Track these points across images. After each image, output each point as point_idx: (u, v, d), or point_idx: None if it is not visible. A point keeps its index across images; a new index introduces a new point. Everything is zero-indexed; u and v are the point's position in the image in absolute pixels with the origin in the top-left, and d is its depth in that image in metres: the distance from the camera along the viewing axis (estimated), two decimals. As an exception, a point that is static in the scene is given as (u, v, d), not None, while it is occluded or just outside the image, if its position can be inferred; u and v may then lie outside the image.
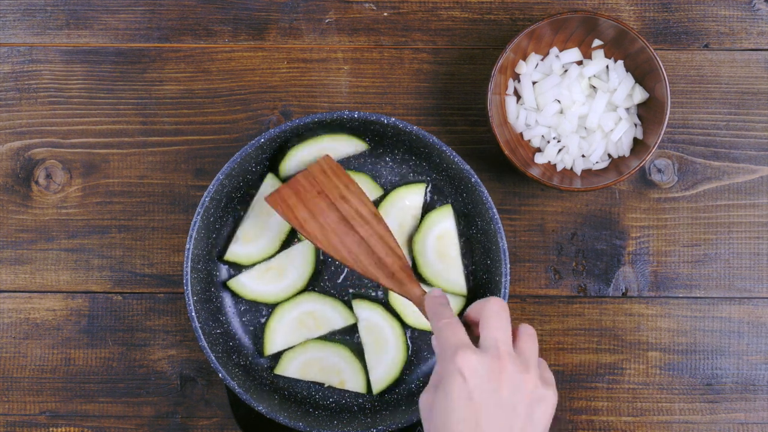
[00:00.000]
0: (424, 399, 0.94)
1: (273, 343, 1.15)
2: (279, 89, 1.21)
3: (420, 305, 1.04)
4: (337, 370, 1.15)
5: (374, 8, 1.21)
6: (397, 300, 1.15)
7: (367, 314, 1.16)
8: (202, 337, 1.10)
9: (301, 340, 1.16)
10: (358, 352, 1.16)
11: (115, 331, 1.20)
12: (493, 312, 0.95)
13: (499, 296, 1.10)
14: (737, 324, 1.20)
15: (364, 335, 1.15)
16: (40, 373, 1.20)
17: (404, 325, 1.16)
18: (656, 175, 1.20)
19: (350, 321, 1.16)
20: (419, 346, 1.17)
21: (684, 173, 1.20)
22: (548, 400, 0.93)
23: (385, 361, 1.15)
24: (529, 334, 0.96)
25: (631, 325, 1.20)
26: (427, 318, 1.00)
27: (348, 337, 1.17)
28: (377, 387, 1.15)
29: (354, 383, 1.15)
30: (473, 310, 0.98)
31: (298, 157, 1.15)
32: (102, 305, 1.20)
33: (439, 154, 1.12)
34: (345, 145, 1.15)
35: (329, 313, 1.15)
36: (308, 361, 1.15)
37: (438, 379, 0.94)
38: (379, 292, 1.17)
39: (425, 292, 1.03)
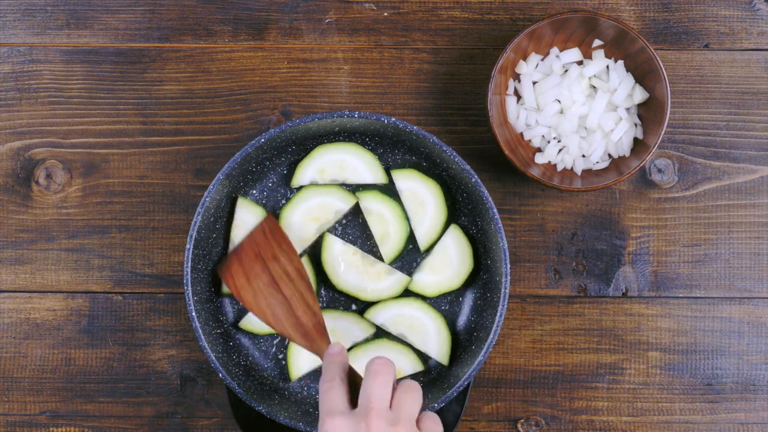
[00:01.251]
0: None
1: (298, 367, 1.15)
2: (279, 89, 1.21)
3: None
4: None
5: (374, 8, 1.21)
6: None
7: (386, 318, 1.16)
8: (202, 337, 1.10)
9: None
10: (398, 340, 1.16)
11: (116, 331, 1.20)
12: (372, 371, 0.94)
13: (499, 296, 1.10)
14: (737, 324, 1.20)
15: (402, 330, 1.16)
16: (41, 373, 1.20)
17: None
18: (656, 175, 1.20)
19: (370, 331, 1.15)
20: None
21: (684, 173, 1.20)
22: None
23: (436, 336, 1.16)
24: (406, 388, 0.94)
25: (631, 325, 1.20)
26: None
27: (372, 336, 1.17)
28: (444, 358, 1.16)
29: (411, 366, 1.15)
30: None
31: (311, 168, 1.15)
32: (102, 305, 1.20)
33: (439, 154, 1.12)
34: (356, 160, 1.16)
35: (348, 327, 1.15)
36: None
37: None
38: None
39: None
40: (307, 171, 1.15)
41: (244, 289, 1.11)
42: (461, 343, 1.16)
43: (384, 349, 1.15)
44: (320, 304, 1.16)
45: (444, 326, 1.15)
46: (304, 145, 1.16)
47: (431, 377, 1.16)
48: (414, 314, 1.15)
